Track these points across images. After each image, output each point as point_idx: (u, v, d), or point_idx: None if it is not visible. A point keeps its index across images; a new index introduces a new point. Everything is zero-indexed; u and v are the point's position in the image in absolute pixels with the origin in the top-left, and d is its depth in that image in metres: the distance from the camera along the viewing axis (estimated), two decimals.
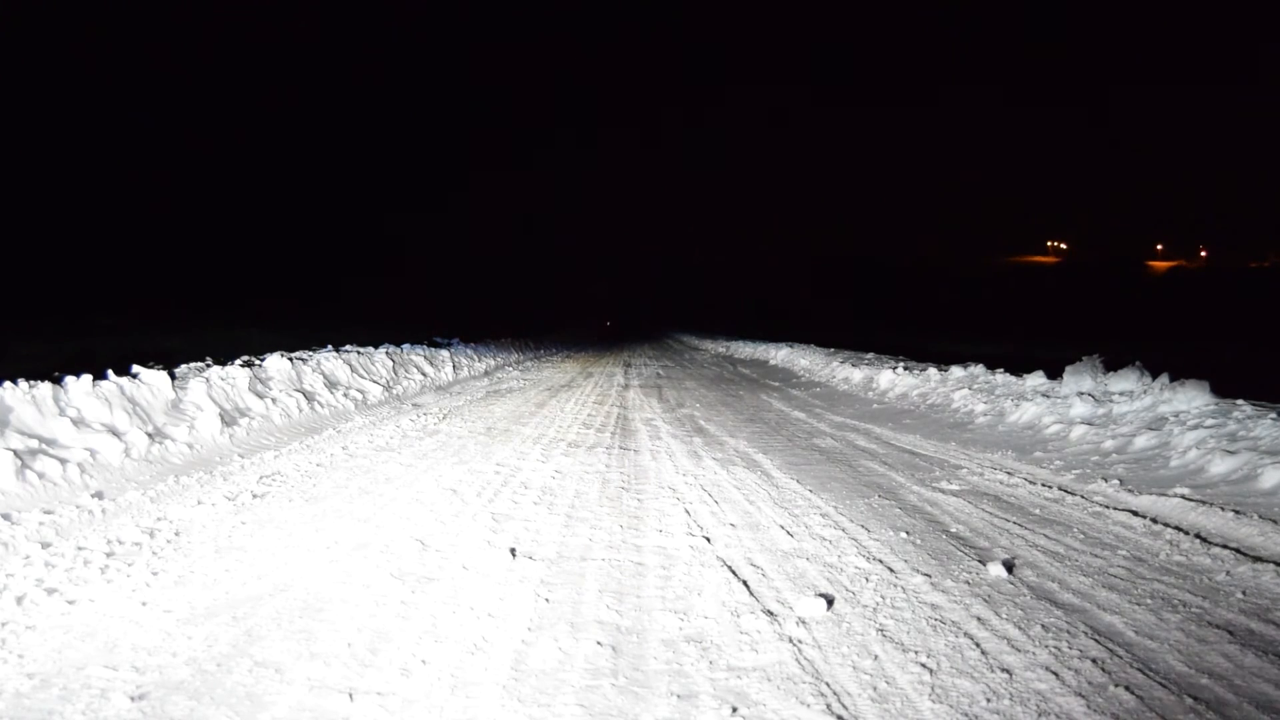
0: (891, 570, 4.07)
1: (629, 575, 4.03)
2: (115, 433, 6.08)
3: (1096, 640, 3.19)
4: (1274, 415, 6.58)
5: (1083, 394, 8.67)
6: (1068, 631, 3.28)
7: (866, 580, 3.92)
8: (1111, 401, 8.21)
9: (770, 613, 3.52)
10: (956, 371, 11.66)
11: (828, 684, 2.87)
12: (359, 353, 12.74)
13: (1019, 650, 3.11)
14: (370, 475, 6.35)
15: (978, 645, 3.16)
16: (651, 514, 5.23)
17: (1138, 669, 2.94)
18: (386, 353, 13.47)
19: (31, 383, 5.98)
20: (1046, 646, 3.14)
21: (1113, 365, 9.29)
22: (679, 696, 2.80)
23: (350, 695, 2.79)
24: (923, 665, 3.00)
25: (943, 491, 5.81)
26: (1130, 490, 5.56)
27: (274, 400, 8.61)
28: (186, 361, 9.83)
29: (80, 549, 4.21)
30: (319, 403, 9.44)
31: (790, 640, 3.23)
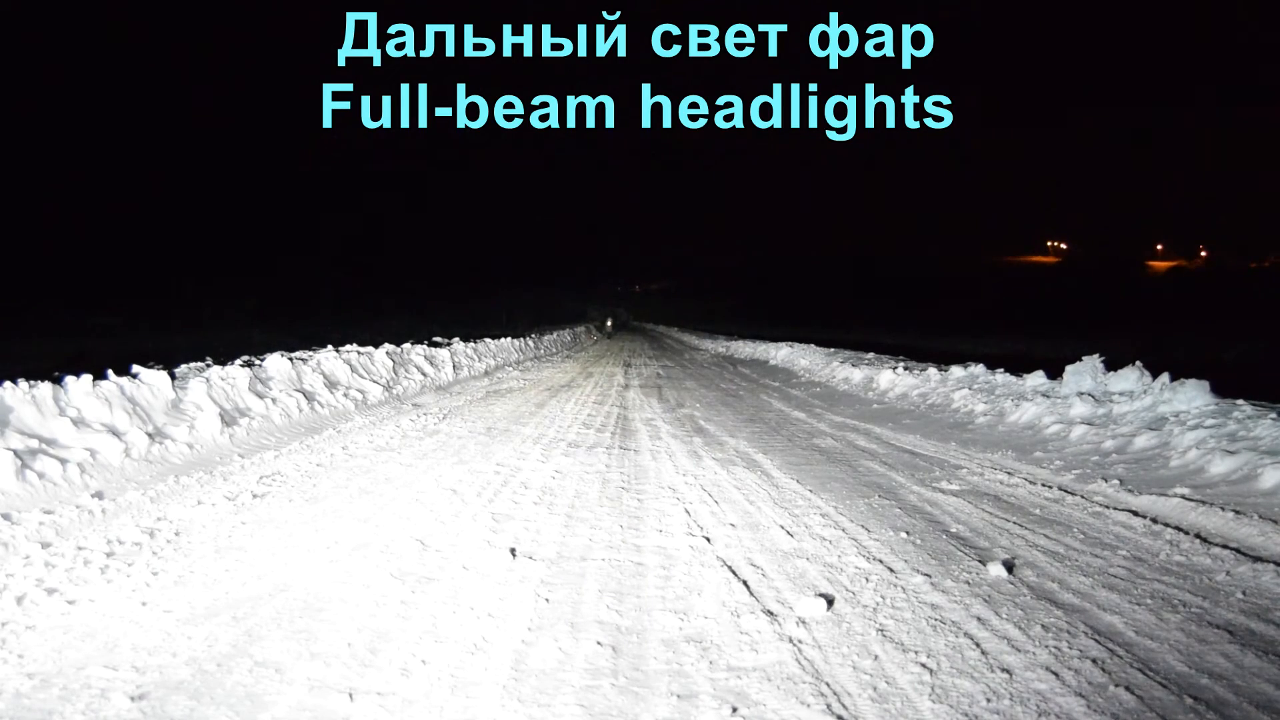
0: (891, 570, 4.06)
1: (629, 575, 4.03)
2: (115, 433, 6.08)
3: (1096, 640, 3.18)
4: (1274, 415, 6.58)
5: (1083, 394, 8.67)
6: (1068, 631, 3.27)
7: (866, 580, 3.92)
8: (1112, 401, 8.21)
9: (770, 613, 3.52)
10: (956, 371, 11.66)
11: (828, 684, 2.87)
12: (359, 353, 12.73)
13: (1019, 650, 3.11)
14: (370, 475, 6.35)
15: (978, 645, 3.16)
16: (651, 514, 5.23)
17: (1138, 669, 2.94)
18: (386, 353, 13.45)
19: (31, 383, 5.98)
20: (1046, 646, 3.14)
21: (1113, 365, 9.30)
22: (679, 696, 2.80)
23: (350, 695, 2.79)
24: (923, 665, 3.00)
25: (943, 491, 5.81)
26: (1130, 490, 5.56)
27: (274, 400, 8.61)
28: (186, 361, 9.84)
29: (80, 549, 4.21)
30: (319, 403, 9.44)
31: (790, 640, 3.23)
